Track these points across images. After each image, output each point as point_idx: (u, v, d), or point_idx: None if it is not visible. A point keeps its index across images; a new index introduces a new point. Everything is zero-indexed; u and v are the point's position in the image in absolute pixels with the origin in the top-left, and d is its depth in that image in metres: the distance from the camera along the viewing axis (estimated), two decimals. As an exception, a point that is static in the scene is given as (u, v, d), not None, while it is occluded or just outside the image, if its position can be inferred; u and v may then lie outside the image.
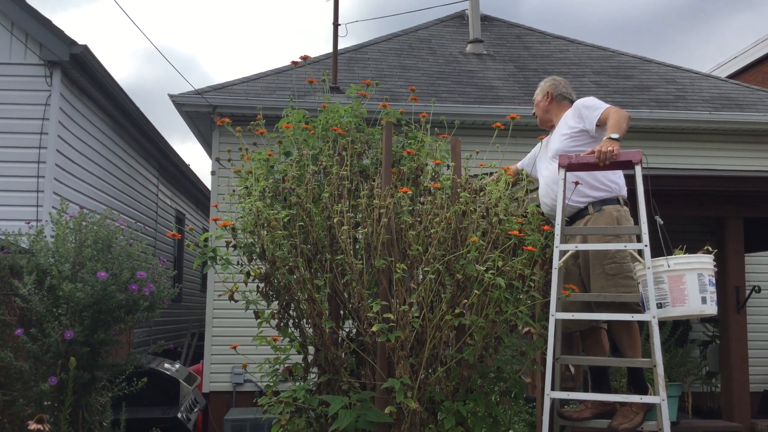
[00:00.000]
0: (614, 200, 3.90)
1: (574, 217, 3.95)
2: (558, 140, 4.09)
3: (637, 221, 3.50)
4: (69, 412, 4.40)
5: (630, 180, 3.70)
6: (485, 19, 12.14)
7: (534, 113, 4.44)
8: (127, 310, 4.66)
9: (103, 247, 4.69)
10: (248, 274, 3.73)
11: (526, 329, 3.72)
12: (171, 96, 8.16)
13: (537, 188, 4.23)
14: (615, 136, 3.65)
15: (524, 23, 12.53)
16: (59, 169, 7.15)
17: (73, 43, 7.01)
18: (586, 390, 4.70)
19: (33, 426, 3.71)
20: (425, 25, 12.09)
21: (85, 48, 7.05)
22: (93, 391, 4.67)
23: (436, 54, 10.78)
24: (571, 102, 4.26)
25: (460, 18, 12.39)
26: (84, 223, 4.78)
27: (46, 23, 7.04)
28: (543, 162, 4.21)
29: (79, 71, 7.35)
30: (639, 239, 3.46)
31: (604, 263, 3.81)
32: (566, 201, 3.71)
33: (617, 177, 3.96)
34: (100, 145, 8.50)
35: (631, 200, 3.78)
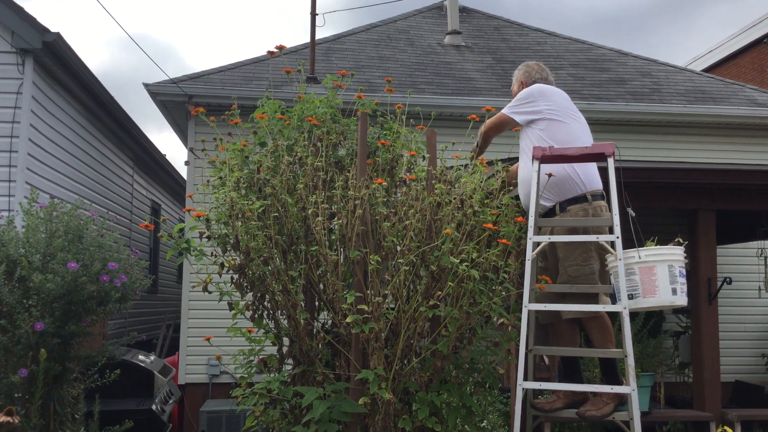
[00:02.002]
0: (581, 198, 3.84)
1: (545, 215, 3.94)
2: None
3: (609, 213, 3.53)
4: (40, 404, 4.35)
5: (603, 172, 3.72)
6: (463, 10, 12.15)
7: None
8: (98, 302, 4.60)
9: (74, 238, 4.63)
10: (222, 265, 3.71)
11: (501, 320, 3.74)
12: (146, 85, 8.06)
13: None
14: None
15: (507, 14, 12.60)
16: (31, 159, 7.05)
17: (45, 30, 6.90)
18: (561, 380, 4.73)
19: (2, 418, 3.67)
20: (404, 15, 12.06)
21: (58, 36, 6.94)
22: (65, 383, 4.62)
23: (414, 45, 10.76)
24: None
25: (439, 9, 12.38)
26: (55, 213, 4.72)
27: (18, 10, 6.92)
28: None
29: (52, 59, 7.23)
30: (611, 231, 3.49)
31: (566, 265, 3.82)
32: (540, 193, 3.72)
33: (586, 172, 3.88)
34: (74, 135, 8.39)
35: (605, 192, 3.81)
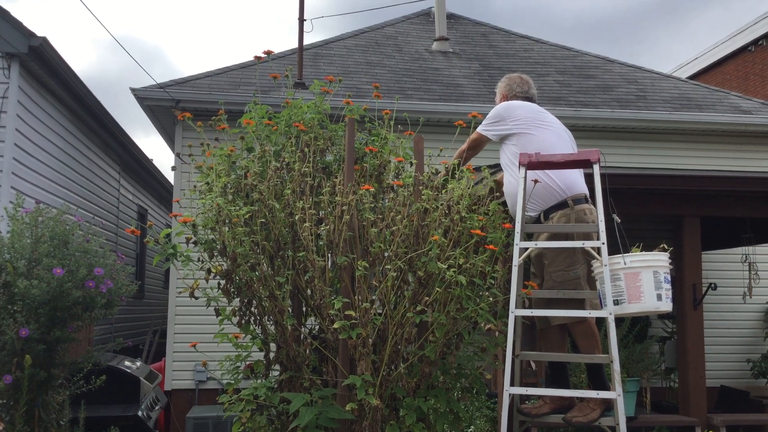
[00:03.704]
0: (562, 205, 3.88)
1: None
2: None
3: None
4: (25, 410, 4.32)
5: (588, 178, 3.75)
6: (451, 17, 12.20)
7: None
8: (84, 308, 4.57)
9: (60, 243, 4.60)
10: (209, 271, 3.70)
11: (488, 326, 3.76)
12: (133, 90, 8.04)
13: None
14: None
15: (496, 20, 12.71)
16: (17, 163, 7.00)
17: (32, 35, 6.86)
18: (548, 385, 4.75)
19: (-14, 425, 3.64)
20: (391, 22, 12.10)
21: (45, 40, 6.91)
22: (50, 389, 4.58)
23: (402, 51, 10.80)
24: (529, 99, 4.29)
25: (426, 16, 12.43)
26: (40, 219, 4.69)
27: (5, 14, 6.88)
28: None
29: (39, 64, 7.20)
30: (597, 237, 3.51)
31: (551, 271, 3.85)
32: (526, 200, 3.75)
33: (564, 178, 3.91)
34: (60, 139, 8.34)
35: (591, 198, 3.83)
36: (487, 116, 4.17)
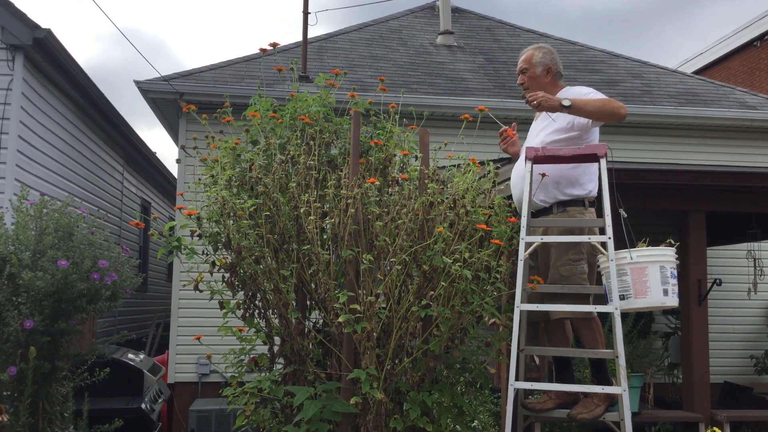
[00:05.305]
0: (579, 202, 3.83)
1: (538, 213, 3.91)
2: (549, 132, 3.93)
3: (601, 214, 3.53)
4: (29, 402, 4.33)
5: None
6: (456, 10, 12.16)
7: (521, 83, 4.13)
8: (88, 300, 4.57)
9: (64, 235, 4.60)
10: (214, 264, 3.69)
11: (492, 320, 3.74)
12: (137, 82, 8.03)
13: (505, 180, 4.23)
14: (566, 102, 3.58)
15: (502, 13, 12.62)
16: (21, 156, 7.00)
17: (36, 26, 6.85)
18: (551, 380, 4.74)
19: (-9, 417, 3.64)
20: (396, 15, 12.06)
21: (49, 32, 6.90)
22: (54, 381, 4.58)
23: (406, 45, 10.76)
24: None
25: (431, 9, 12.39)
26: (45, 210, 4.69)
27: (8, 6, 6.87)
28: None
29: (43, 56, 7.19)
30: (603, 232, 3.50)
31: (558, 264, 3.81)
32: (533, 194, 3.72)
33: (588, 178, 3.85)
34: (64, 132, 8.34)
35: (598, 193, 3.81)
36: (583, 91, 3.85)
